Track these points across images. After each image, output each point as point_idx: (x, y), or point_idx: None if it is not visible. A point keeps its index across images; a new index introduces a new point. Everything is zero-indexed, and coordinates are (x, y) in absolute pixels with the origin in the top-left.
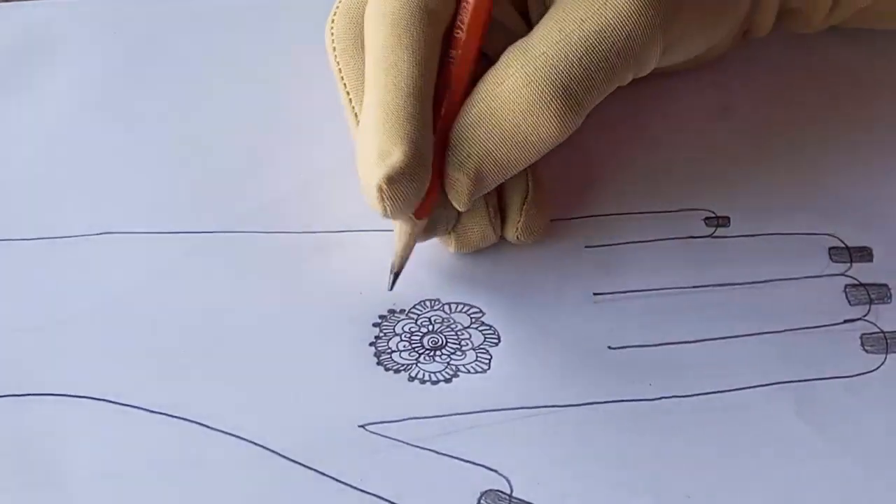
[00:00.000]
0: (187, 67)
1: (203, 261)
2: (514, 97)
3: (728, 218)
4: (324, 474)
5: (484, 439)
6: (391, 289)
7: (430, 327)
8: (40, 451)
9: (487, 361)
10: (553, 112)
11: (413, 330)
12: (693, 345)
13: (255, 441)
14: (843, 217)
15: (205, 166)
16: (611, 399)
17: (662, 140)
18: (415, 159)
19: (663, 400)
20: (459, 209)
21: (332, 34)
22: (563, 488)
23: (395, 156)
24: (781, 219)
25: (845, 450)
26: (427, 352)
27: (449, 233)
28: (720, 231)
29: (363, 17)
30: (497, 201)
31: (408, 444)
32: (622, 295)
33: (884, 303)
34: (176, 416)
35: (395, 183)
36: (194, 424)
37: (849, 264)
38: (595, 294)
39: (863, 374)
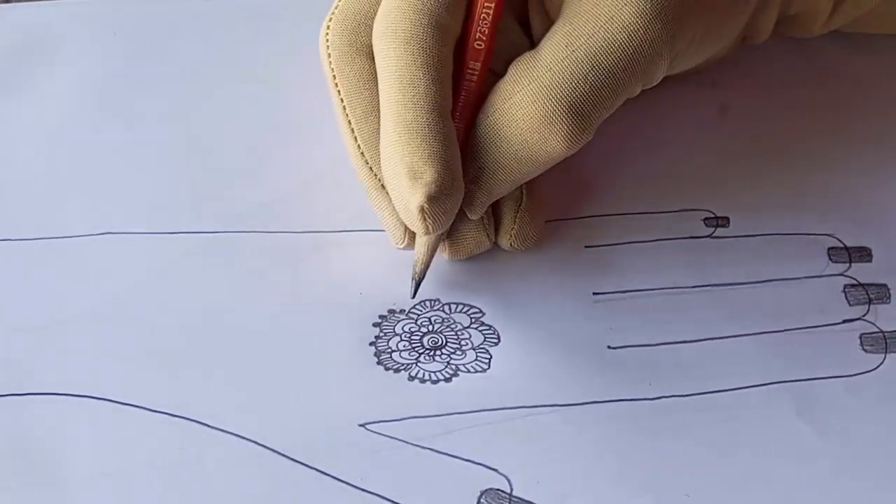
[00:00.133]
0: (187, 67)
1: (203, 261)
2: (522, 114)
3: (727, 218)
4: (324, 473)
5: (484, 438)
6: (413, 296)
7: (430, 327)
8: (40, 451)
9: (487, 361)
10: (560, 129)
11: (413, 330)
12: (693, 344)
13: (256, 440)
14: (842, 217)
15: (205, 166)
16: (610, 399)
17: (662, 140)
18: (449, 176)
19: (663, 400)
20: (472, 217)
21: (328, 41)
22: (562, 487)
23: (430, 175)
24: (781, 219)
25: (845, 449)
26: (427, 351)
27: (443, 239)
28: (720, 231)
29: (360, 25)
30: (491, 209)
31: (408, 443)
32: (622, 295)
33: (883, 303)
34: (176, 416)
35: (436, 201)
36: (194, 424)
37: (848, 264)
38: (595, 294)
39: (862, 373)
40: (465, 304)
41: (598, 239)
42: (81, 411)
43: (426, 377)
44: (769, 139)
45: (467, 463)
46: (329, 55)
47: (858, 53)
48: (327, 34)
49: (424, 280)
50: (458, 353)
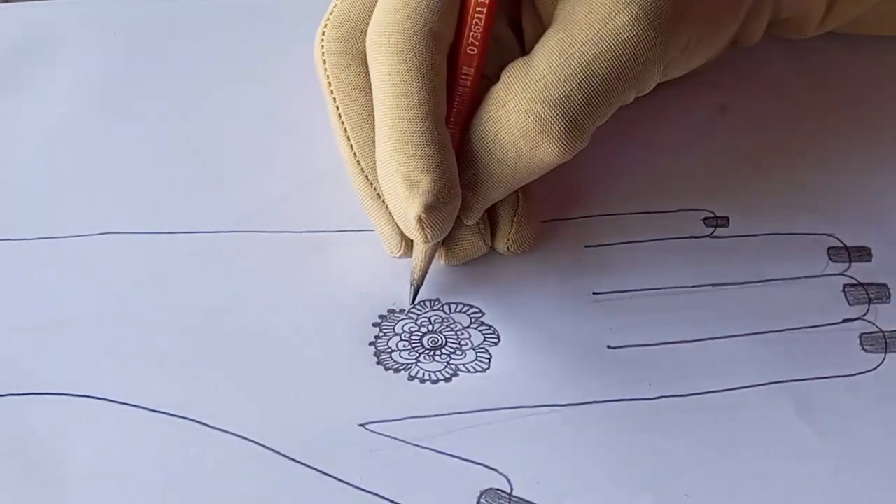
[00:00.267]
0: (187, 67)
1: (203, 261)
2: (515, 122)
3: (727, 218)
4: (324, 473)
5: (484, 438)
6: (413, 303)
7: (430, 327)
8: (40, 450)
9: (487, 361)
10: (553, 137)
11: (413, 330)
12: (692, 344)
13: (256, 440)
14: (841, 217)
15: (205, 166)
16: (610, 399)
17: (661, 140)
18: (445, 184)
19: (663, 400)
20: (467, 223)
21: (323, 48)
22: (562, 487)
23: (426, 184)
24: (780, 219)
25: (844, 448)
26: (427, 351)
27: (440, 246)
28: (719, 231)
29: (355, 31)
30: (487, 213)
31: (408, 443)
32: (622, 295)
33: (883, 302)
34: (176, 416)
35: (434, 210)
36: (194, 424)
37: (848, 264)
38: (595, 294)
39: (862, 373)
40: (464, 304)
41: (598, 239)
42: (81, 411)
43: (426, 377)
44: (769, 139)
45: (467, 463)
46: (324, 62)
47: (858, 54)
48: (322, 41)
49: (425, 280)
50: (458, 353)
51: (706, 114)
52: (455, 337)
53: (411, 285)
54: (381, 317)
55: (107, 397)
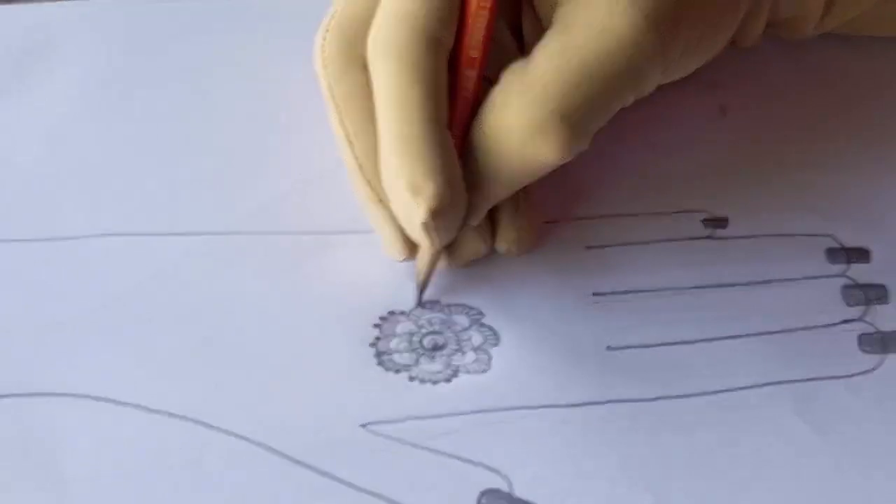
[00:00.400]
0: (187, 67)
1: (203, 261)
2: (515, 124)
3: (726, 219)
4: (324, 474)
5: (484, 439)
6: (417, 305)
7: (430, 328)
8: (40, 450)
9: (487, 362)
10: (553, 139)
11: (413, 331)
12: (692, 345)
13: (256, 441)
14: (840, 218)
15: (205, 166)
16: (610, 399)
17: (661, 141)
18: (450, 189)
19: (663, 400)
20: (471, 224)
21: (324, 52)
22: (563, 488)
23: (430, 189)
24: (779, 220)
25: (844, 449)
26: (427, 352)
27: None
28: (718, 232)
29: (356, 36)
30: (488, 215)
31: (408, 444)
32: (622, 295)
33: (881, 303)
34: (176, 416)
35: (439, 215)
36: (194, 424)
37: (846, 265)
38: (595, 294)
39: (861, 373)
40: (464, 305)
41: (598, 239)
42: (81, 411)
43: (426, 378)
44: (768, 140)
45: (467, 463)
46: (325, 68)
47: (858, 55)
48: (323, 46)
49: None
50: (459, 353)
51: (705, 114)
52: (455, 338)
53: (416, 287)
54: (381, 318)
55: (107, 397)
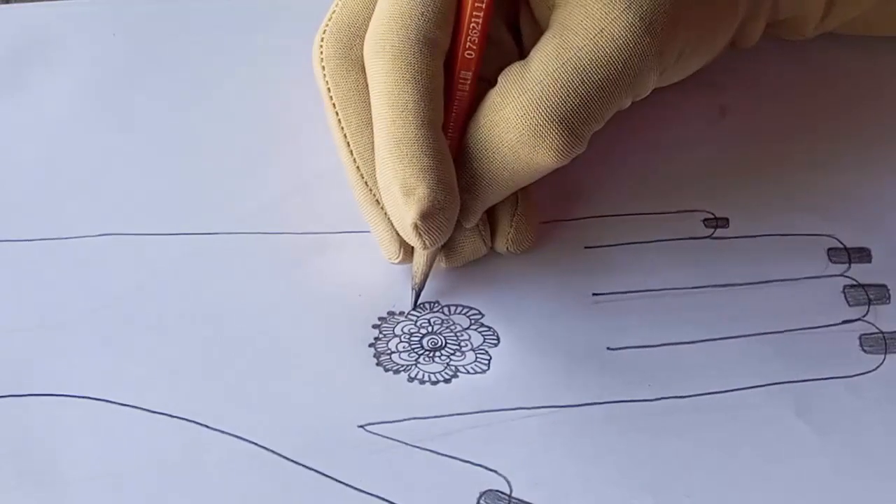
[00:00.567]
0: (187, 67)
1: (203, 261)
2: (511, 126)
3: (727, 219)
4: (324, 474)
5: (484, 439)
6: (413, 308)
7: (430, 328)
8: (40, 451)
9: (487, 362)
10: (550, 142)
11: (412, 331)
12: (692, 345)
13: (255, 441)
14: (841, 218)
15: (205, 166)
16: (610, 399)
17: (661, 141)
18: (442, 190)
19: (663, 400)
20: (466, 226)
21: (322, 54)
22: (562, 488)
23: (422, 190)
24: (780, 220)
25: (844, 449)
26: (427, 353)
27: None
28: (719, 232)
29: (353, 38)
30: (486, 214)
31: (408, 444)
32: (622, 295)
33: (882, 303)
34: (176, 416)
35: (430, 217)
36: (194, 424)
37: (847, 265)
38: (595, 294)
39: (862, 374)
40: (464, 306)
41: (598, 239)
42: (81, 411)
43: (426, 378)
44: (769, 140)
45: (467, 464)
46: (323, 69)
47: (857, 55)
48: (321, 47)
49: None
50: (458, 354)
51: (706, 115)
52: (455, 338)
53: (412, 290)
54: (380, 318)
55: (107, 398)
